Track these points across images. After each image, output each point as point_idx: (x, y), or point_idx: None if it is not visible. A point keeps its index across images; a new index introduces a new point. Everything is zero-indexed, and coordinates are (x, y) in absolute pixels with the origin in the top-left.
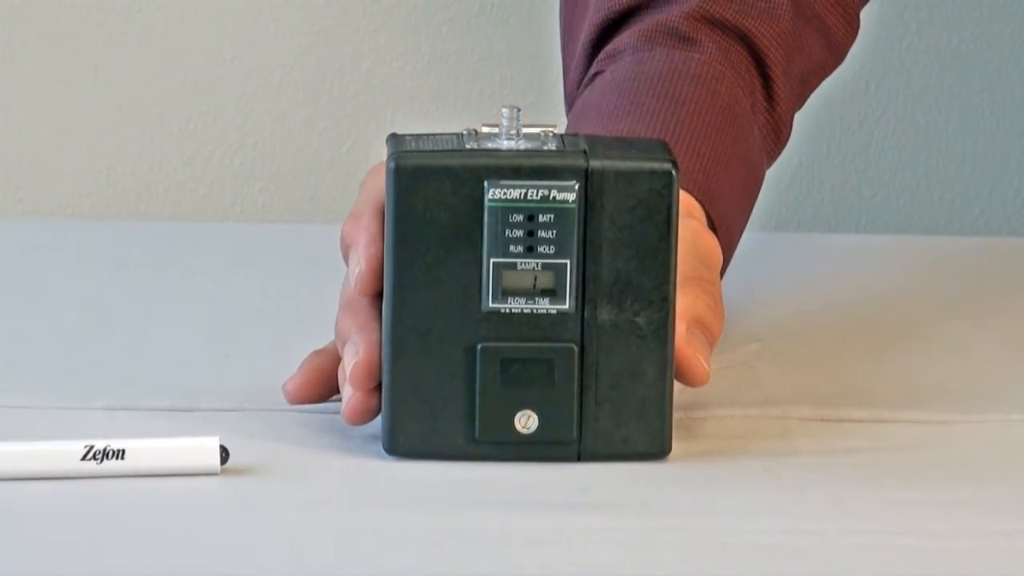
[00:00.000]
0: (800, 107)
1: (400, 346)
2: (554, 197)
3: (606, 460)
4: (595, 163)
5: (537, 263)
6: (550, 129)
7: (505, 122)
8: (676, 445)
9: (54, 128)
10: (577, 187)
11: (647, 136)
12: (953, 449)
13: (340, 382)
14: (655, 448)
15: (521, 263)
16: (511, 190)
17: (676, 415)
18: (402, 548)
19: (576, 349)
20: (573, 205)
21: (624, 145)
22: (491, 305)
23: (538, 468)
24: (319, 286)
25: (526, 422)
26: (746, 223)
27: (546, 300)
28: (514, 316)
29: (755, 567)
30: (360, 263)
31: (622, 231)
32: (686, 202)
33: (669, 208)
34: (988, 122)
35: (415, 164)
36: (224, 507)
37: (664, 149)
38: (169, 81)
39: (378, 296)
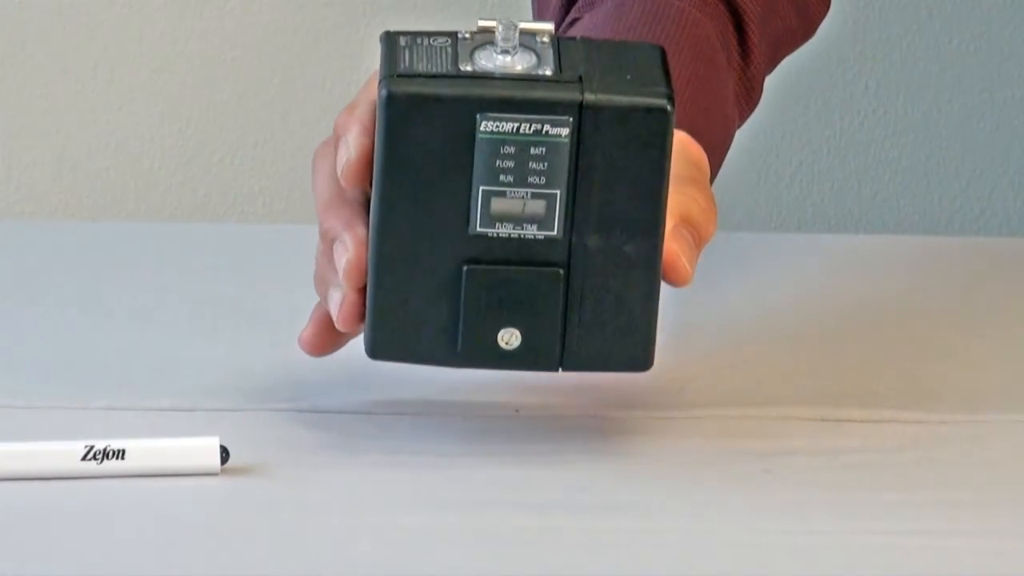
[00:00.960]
0: (769, 72)
1: (385, 262)
2: (547, 132)
3: (586, 371)
4: (590, 96)
5: (527, 192)
6: (546, 30)
7: (501, 34)
8: (675, 445)
9: (53, 128)
10: (571, 122)
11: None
12: (952, 449)
13: (327, 286)
14: (636, 362)
15: (511, 192)
16: (503, 123)
17: (675, 415)
18: (401, 548)
19: (562, 272)
20: (566, 140)
21: (622, 63)
22: (479, 229)
23: (538, 467)
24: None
25: (509, 339)
26: (716, 175)
27: (534, 227)
28: (501, 241)
29: (755, 567)
30: (350, 151)
31: (615, 165)
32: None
33: (663, 144)
34: (988, 122)
35: (407, 92)
36: (224, 507)
37: (662, 71)
38: (169, 81)
39: (363, 194)
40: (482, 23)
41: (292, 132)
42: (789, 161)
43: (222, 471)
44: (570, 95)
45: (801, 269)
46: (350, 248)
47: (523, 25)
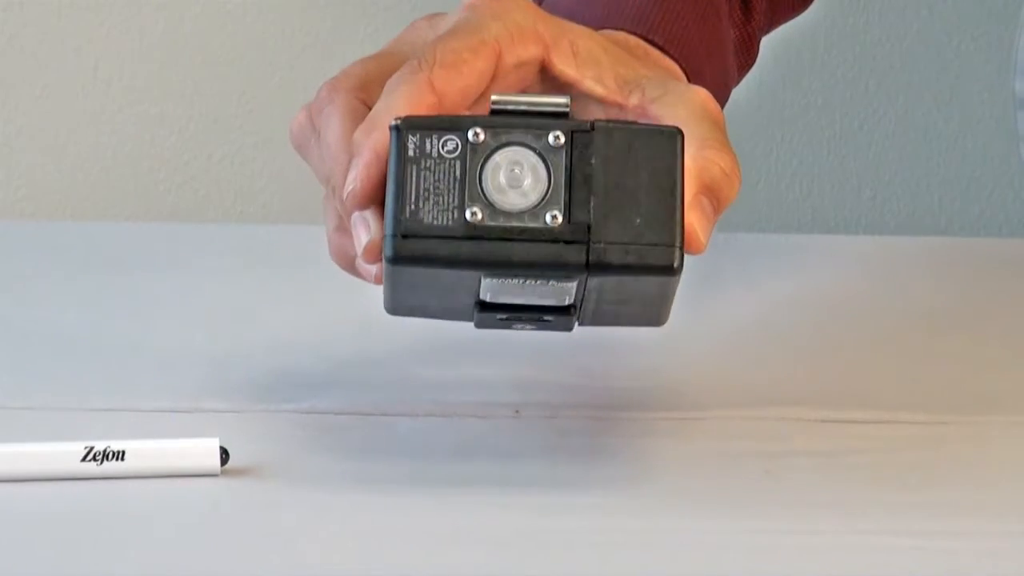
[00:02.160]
0: (766, 33)
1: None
2: (552, 284)
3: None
4: (596, 256)
5: (535, 318)
6: (560, 133)
7: (512, 155)
8: (676, 446)
9: (53, 129)
10: (576, 280)
11: (627, 29)
12: (953, 450)
13: (339, 240)
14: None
15: (518, 322)
16: (509, 280)
17: (676, 416)
18: (401, 549)
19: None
20: (572, 286)
21: (636, 188)
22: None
23: (538, 468)
24: (320, 288)
25: (523, 326)
26: None
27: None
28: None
29: (756, 569)
30: (357, 181)
31: (623, 289)
32: (680, 74)
33: (667, 291)
34: (987, 123)
35: (411, 255)
36: (224, 508)
37: (676, 197)
38: (169, 81)
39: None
40: (495, 98)
41: None
42: (789, 161)
43: (222, 472)
44: (576, 256)
45: (801, 269)
46: (374, 231)
47: (537, 121)
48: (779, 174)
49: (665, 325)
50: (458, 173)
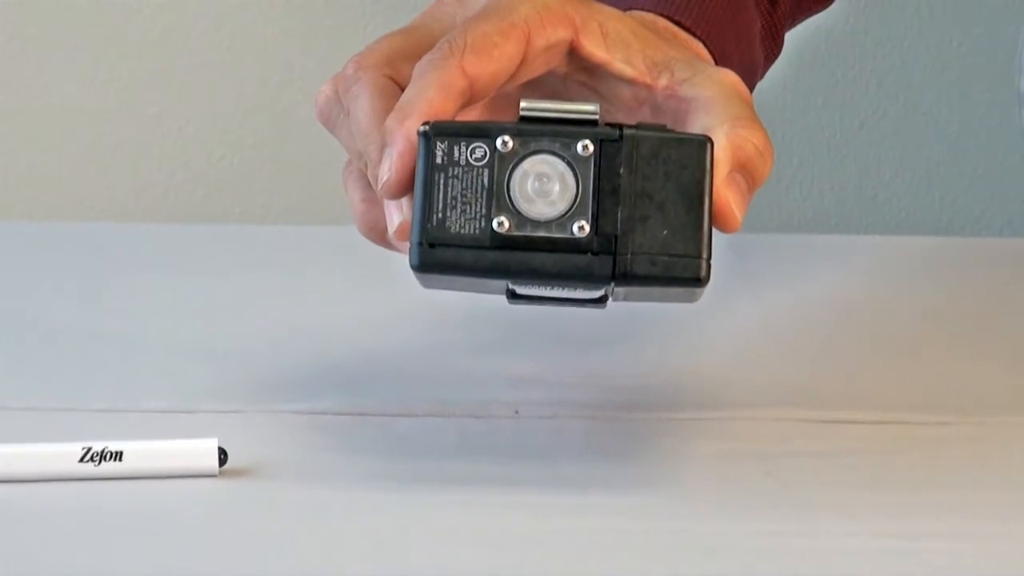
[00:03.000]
0: (790, 28)
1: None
2: (580, 292)
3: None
4: (623, 267)
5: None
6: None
7: (538, 165)
8: (676, 447)
9: (50, 129)
10: (603, 288)
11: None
12: (955, 451)
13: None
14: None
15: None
16: (536, 288)
17: (676, 417)
18: (401, 550)
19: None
20: (600, 293)
21: (664, 197)
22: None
23: (537, 469)
24: (319, 288)
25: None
26: None
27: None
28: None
29: (756, 570)
30: (391, 172)
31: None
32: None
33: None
34: (991, 121)
35: (437, 263)
36: (222, 509)
37: (704, 208)
38: (167, 81)
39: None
40: (524, 105)
41: (291, 132)
42: (789, 160)
43: (220, 473)
44: (603, 268)
45: (801, 269)
46: (407, 212)
47: (566, 129)
48: (779, 173)
49: (665, 325)
50: (486, 181)
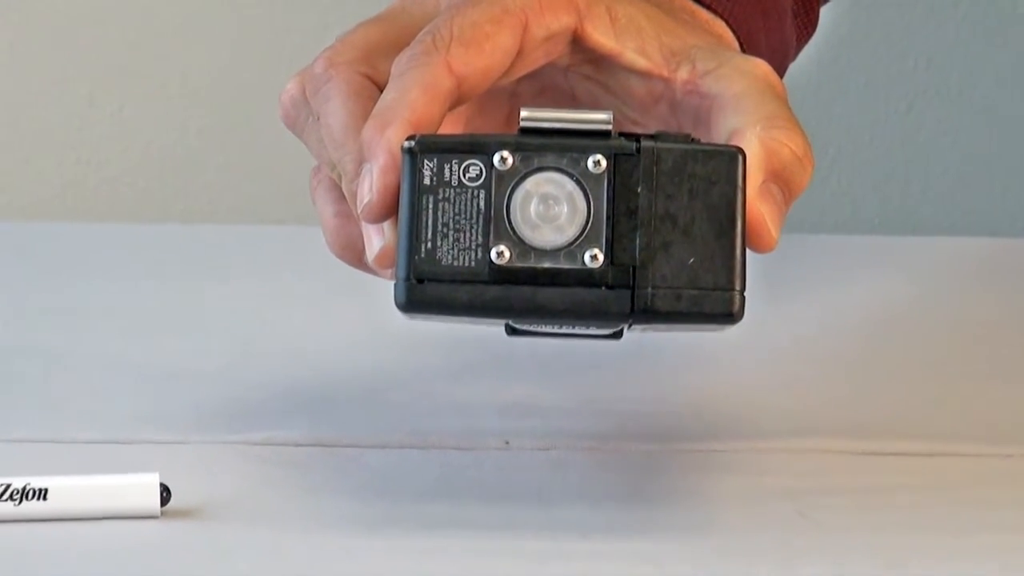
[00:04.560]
0: (825, 2)
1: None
2: (592, 330)
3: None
4: (642, 302)
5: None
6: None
7: (544, 186)
8: (691, 483)
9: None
10: (619, 327)
11: None
12: (1017, 487)
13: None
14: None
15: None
16: (541, 327)
17: (691, 448)
18: None
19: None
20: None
21: (689, 217)
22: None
23: (530, 509)
24: (278, 298)
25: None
26: None
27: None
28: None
29: None
30: (372, 192)
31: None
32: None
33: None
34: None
35: (425, 300)
36: (165, 556)
37: (730, 250)
38: (100, 58)
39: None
40: (525, 115)
41: (244, 118)
42: (824, 150)
43: (162, 514)
44: (619, 304)
45: (837, 276)
46: (389, 239)
47: (574, 142)
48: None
49: (679, 343)
50: (482, 204)
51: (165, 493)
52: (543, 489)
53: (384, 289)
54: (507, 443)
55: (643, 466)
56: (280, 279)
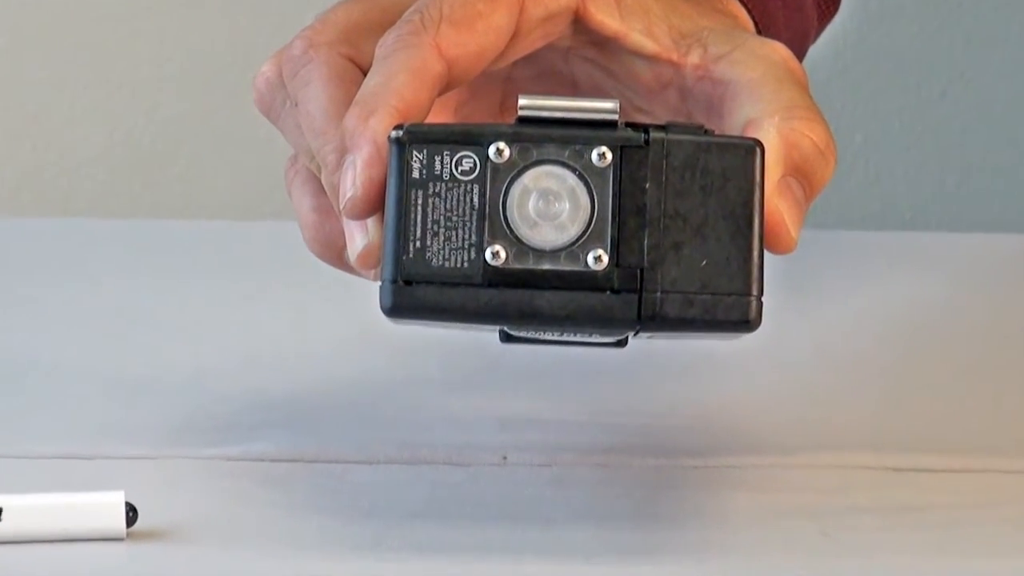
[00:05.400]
0: None
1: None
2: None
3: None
4: (650, 308)
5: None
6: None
7: (544, 180)
8: (705, 502)
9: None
10: (626, 333)
11: None
12: None
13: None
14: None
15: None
16: (539, 333)
17: (705, 464)
18: None
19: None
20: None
21: (701, 218)
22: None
23: (530, 529)
24: (252, 300)
25: None
26: None
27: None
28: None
29: None
30: (356, 186)
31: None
32: (748, 23)
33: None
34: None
35: (412, 305)
36: None
37: (747, 251)
38: (55, 39)
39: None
40: (523, 103)
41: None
42: (851, 137)
43: (128, 535)
44: (625, 309)
45: (864, 276)
46: (373, 237)
47: (577, 133)
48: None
49: (690, 349)
50: (476, 200)
51: (131, 513)
52: (544, 508)
53: (370, 289)
54: (505, 458)
55: (652, 483)
56: (256, 279)
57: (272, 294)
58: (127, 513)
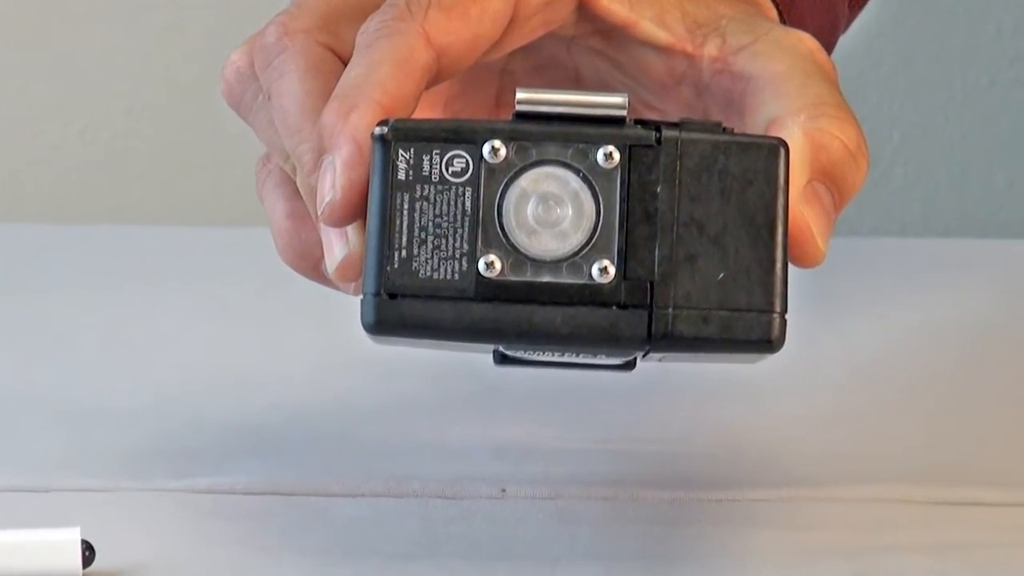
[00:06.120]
0: None
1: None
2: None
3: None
4: (661, 326)
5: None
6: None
7: (545, 182)
8: (726, 540)
9: None
10: (633, 356)
11: None
12: None
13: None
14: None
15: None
16: (538, 352)
17: (725, 497)
18: None
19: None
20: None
21: (720, 227)
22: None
23: (531, 570)
24: (221, 316)
25: None
26: None
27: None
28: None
29: None
30: (335, 190)
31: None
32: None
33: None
34: None
35: (398, 321)
36: None
37: (769, 263)
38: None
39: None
40: (521, 97)
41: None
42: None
43: (85, 575)
44: (634, 327)
45: (902, 289)
46: (353, 242)
47: (580, 131)
48: (877, 154)
49: (709, 369)
50: (468, 205)
51: (88, 552)
52: (547, 547)
53: (353, 303)
54: (503, 491)
55: (666, 518)
56: (225, 291)
57: (243, 307)
58: (83, 552)
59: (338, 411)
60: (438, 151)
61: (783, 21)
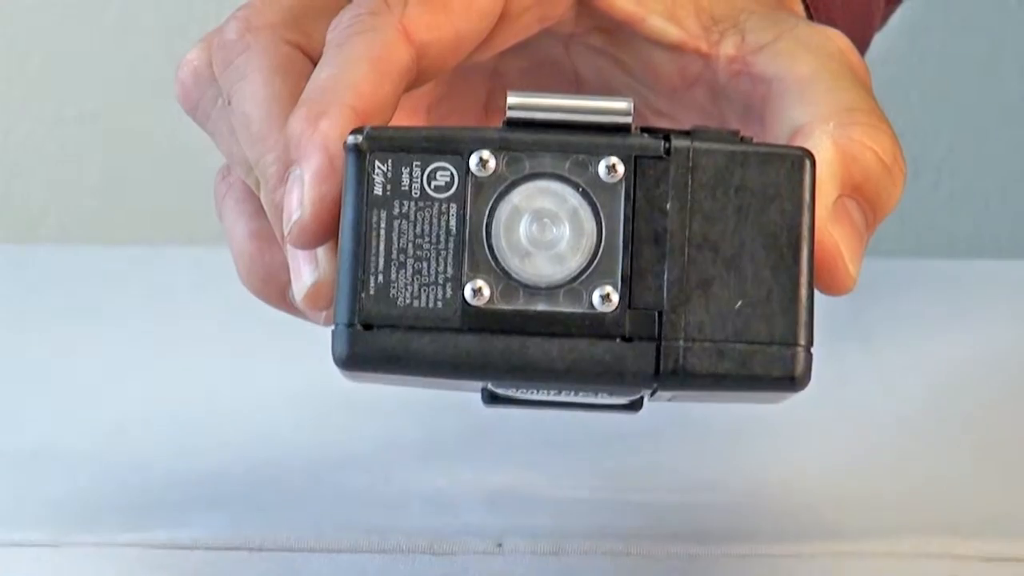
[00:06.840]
0: None
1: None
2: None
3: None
4: (671, 362)
5: None
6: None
7: (538, 199)
8: None
9: None
10: (639, 395)
11: None
12: None
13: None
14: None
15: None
16: (530, 392)
17: (758, 553)
18: None
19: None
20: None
21: (737, 248)
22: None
23: None
24: (180, 346)
25: None
26: None
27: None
28: None
29: None
30: (304, 207)
31: None
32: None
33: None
34: None
35: (374, 354)
36: None
37: (792, 289)
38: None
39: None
40: (512, 102)
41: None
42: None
43: None
44: (640, 361)
45: (950, 315)
46: (323, 266)
47: (579, 140)
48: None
49: (733, 407)
50: (453, 224)
51: None
52: None
53: (326, 334)
54: (499, 545)
55: (683, 575)
56: (183, 319)
57: (204, 338)
58: None
59: (313, 454)
60: (419, 163)
61: (810, 16)
